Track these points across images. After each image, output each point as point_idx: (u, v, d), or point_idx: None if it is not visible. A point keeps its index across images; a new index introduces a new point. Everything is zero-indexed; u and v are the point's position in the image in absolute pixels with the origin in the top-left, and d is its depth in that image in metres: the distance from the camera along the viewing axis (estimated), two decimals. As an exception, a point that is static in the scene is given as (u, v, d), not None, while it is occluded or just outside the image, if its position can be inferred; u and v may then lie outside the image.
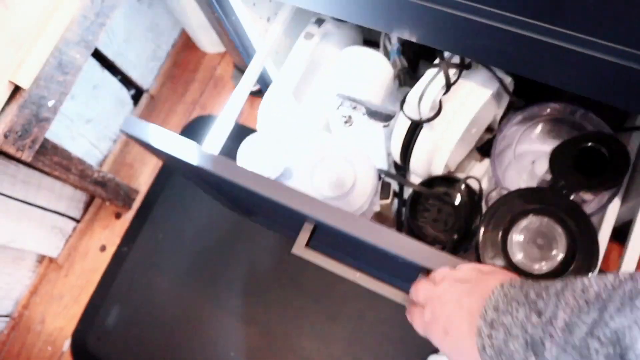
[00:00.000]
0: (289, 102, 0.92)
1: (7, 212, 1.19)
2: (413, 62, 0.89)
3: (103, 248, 1.44)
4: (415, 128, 0.82)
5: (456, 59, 0.77)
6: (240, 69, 1.47)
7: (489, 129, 0.89)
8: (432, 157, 0.84)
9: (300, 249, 0.61)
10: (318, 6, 0.76)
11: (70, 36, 0.96)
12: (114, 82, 1.44)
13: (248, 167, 0.87)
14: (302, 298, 1.28)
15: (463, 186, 0.86)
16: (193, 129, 1.53)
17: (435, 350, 1.15)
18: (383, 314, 1.23)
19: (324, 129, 1.01)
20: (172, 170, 1.45)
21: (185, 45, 1.61)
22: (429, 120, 0.78)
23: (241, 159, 0.86)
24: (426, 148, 0.82)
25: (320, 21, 0.95)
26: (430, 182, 0.88)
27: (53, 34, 0.94)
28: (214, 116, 1.53)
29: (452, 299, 0.51)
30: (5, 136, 0.91)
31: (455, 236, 0.83)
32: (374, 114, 0.85)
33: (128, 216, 1.46)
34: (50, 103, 0.97)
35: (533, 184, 0.81)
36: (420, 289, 0.56)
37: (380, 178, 0.91)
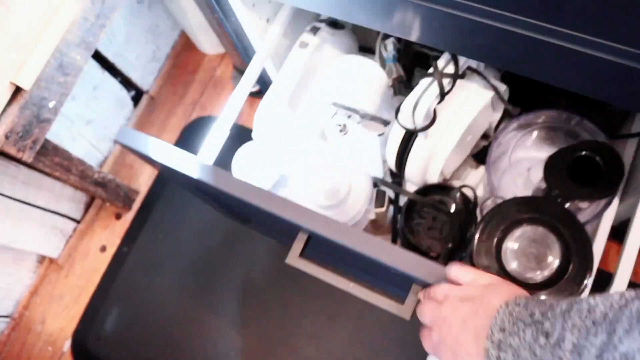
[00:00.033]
0: (284, 110, 0.93)
1: (8, 212, 1.19)
2: (408, 69, 0.89)
3: (103, 248, 1.45)
4: (410, 137, 0.82)
5: (450, 69, 0.77)
6: (240, 70, 1.47)
7: (485, 135, 0.89)
8: (427, 166, 0.84)
9: (294, 258, 0.62)
10: (317, 6, 0.76)
11: (70, 38, 0.97)
12: (114, 83, 1.45)
13: (243, 175, 0.88)
14: (302, 298, 1.28)
15: (458, 194, 0.86)
16: (193, 130, 1.53)
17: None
18: (383, 314, 1.23)
19: (320, 137, 1.01)
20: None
21: (185, 47, 1.61)
22: (423, 129, 0.78)
23: (236, 167, 0.86)
24: (421, 156, 0.83)
25: (315, 29, 0.95)
26: (426, 190, 0.88)
27: (54, 35, 0.95)
28: (214, 117, 1.54)
29: (457, 321, 0.51)
30: (6, 137, 0.92)
31: (450, 244, 0.83)
32: (368, 122, 0.85)
33: (128, 217, 1.47)
34: (51, 104, 0.97)
35: (528, 191, 0.81)
36: (426, 310, 0.56)
37: (375, 186, 0.91)
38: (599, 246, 0.81)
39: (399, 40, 0.91)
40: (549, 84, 0.64)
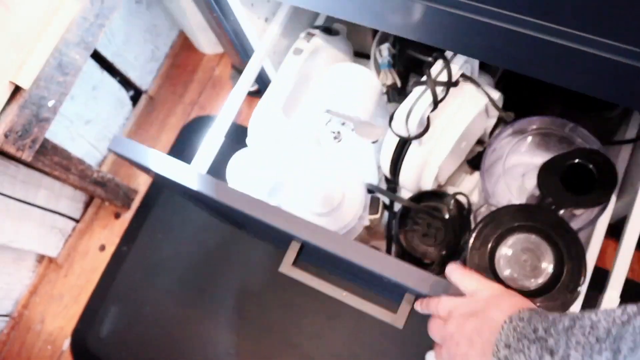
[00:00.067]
0: (279, 117, 0.93)
1: (7, 212, 1.20)
2: (403, 75, 0.89)
3: (102, 248, 1.45)
4: (404, 144, 0.82)
5: (444, 77, 0.77)
6: (239, 70, 1.47)
7: (480, 141, 0.89)
8: (421, 173, 0.84)
9: (287, 267, 0.62)
10: (316, 5, 0.76)
11: (70, 37, 0.97)
12: (113, 83, 1.45)
13: (237, 182, 0.88)
14: (302, 297, 1.28)
15: (452, 201, 0.86)
16: (192, 130, 1.53)
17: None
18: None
19: (314, 144, 1.01)
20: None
21: (184, 46, 1.61)
22: (417, 137, 0.78)
23: (231, 174, 0.86)
24: (415, 163, 0.83)
25: (309, 36, 0.95)
26: (420, 196, 0.89)
27: (53, 35, 0.95)
28: (213, 116, 1.54)
29: (464, 339, 0.52)
30: (6, 136, 0.92)
31: (444, 251, 0.84)
32: (362, 129, 0.85)
33: (127, 216, 1.47)
34: (50, 103, 0.98)
35: (523, 197, 0.81)
36: (433, 329, 0.57)
37: (370, 192, 0.91)
38: (594, 250, 0.82)
39: (393, 45, 0.91)
40: (550, 83, 0.63)
